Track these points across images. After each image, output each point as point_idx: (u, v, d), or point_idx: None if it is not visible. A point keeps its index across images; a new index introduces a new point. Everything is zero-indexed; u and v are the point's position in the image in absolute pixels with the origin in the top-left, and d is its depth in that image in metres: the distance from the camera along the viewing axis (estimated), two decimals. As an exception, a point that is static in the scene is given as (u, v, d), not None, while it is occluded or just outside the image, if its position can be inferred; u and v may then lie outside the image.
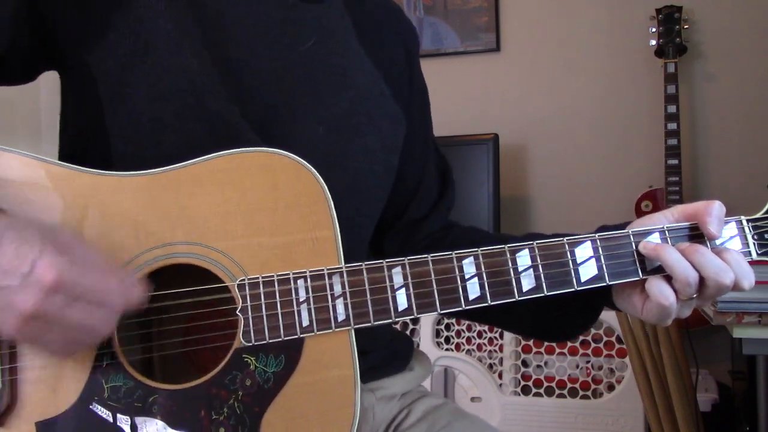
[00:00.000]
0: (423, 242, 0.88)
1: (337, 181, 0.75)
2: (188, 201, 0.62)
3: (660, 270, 0.63)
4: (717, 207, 0.64)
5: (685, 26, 2.21)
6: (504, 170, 2.28)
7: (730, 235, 0.66)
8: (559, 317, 0.75)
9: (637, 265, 0.64)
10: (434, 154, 0.93)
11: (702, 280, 0.62)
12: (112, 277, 0.56)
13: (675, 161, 2.15)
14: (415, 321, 2.10)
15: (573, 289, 0.64)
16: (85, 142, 0.71)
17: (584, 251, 0.64)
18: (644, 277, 0.64)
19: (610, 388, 1.93)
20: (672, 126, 2.16)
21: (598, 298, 0.70)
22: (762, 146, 2.25)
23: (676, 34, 2.19)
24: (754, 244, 0.66)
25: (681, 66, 2.20)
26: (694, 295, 0.63)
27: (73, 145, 0.74)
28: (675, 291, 0.62)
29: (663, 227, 0.65)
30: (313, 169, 0.63)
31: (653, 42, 2.23)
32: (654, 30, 2.23)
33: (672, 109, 2.16)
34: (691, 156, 2.30)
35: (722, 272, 0.61)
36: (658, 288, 0.63)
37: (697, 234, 0.65)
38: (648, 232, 0.65)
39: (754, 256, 0.66)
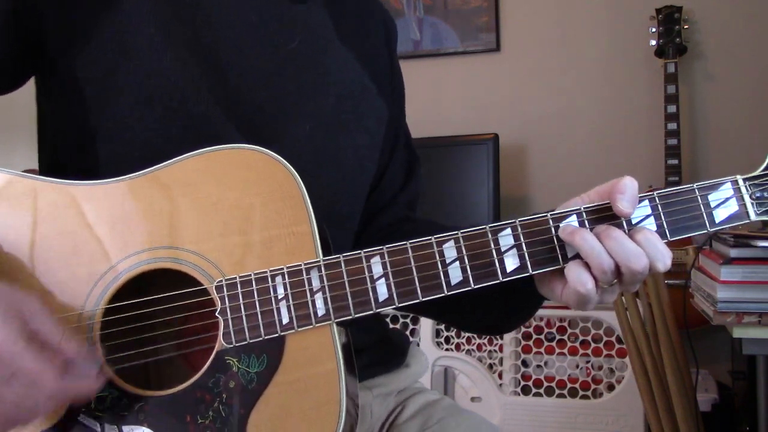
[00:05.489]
0: (376, 235, 0.85)
1: (329, 178, 0.76)
2: (164, 204, 0.61)
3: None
4: (627, 182, 0.59)
5: (685, 26, 2.20)
6: (504, 170, 2.28)
7: (644, 214, 0.61)
8: (504, 308, 0.73)
9: (558, 251, 0.60)
10: (404, 143, 0.91)
11: (618, 266, 0.58)
12: (57, 358, 0.52)
13: (675, 161, 2.14)
14: (415, 320, 2.10)
15: (498, 281, 0.60)
16: (72, 146, 0.72)
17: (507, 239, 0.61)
18: (564, 265, 0.60)
19: (610, 388, 1.93)
20: (672, 126, 2.15)
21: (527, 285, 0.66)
22: (762, 146, 2.25)
23: (676, 34, 2.18)
24: (752, 204, 0.61)
25: (681, 66, 2.20)
26: (615, 281, 0.59)
27: (58, 149, 0.75)
28: (594, 278, 0.59)
29: (580, 208, 0.61)
30: (286, 163, 0.62)
31: (653, 42, 2.22)
32: (654, 30, 2.22)
33: (672, 109, 2.15)
34: (691, 156, 2.29)
35: (634, 257, 0.57)
36: (576, 274, 0.59)
37: (612, 214, 0.60)
38: (565, 216, 0.61)
39: (753, 216, 0.61)
